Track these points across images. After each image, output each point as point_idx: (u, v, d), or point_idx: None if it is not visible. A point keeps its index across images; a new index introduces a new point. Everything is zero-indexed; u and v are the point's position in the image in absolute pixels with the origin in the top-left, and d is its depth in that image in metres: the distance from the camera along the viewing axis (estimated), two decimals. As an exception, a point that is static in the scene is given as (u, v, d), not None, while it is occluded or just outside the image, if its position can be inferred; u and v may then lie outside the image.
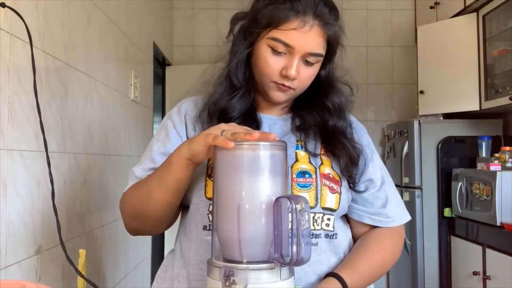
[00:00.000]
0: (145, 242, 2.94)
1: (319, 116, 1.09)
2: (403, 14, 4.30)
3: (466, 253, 3.09)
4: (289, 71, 0.99)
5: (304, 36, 0.98)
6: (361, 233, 1.12)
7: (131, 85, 2.56)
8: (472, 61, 3.30)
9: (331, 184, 1.04)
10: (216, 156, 0.82)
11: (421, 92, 3.60)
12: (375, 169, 1.12)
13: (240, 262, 0.79)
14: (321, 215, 1.03)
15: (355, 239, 1.13)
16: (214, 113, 1.06)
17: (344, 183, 1.07)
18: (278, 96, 1.04)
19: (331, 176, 1.05)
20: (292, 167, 1.03)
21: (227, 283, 0.76)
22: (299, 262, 0.76)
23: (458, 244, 3.21)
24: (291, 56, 0.99)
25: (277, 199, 0.78)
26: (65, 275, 1.58)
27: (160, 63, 3.91)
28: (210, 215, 1.02)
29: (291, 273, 0.80)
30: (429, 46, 3.60)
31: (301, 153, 1.06)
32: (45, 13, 1.51)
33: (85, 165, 1.87)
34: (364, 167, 1.09)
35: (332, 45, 1.05)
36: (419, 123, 3.46)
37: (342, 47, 1.09)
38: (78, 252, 1.23)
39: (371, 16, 4.31)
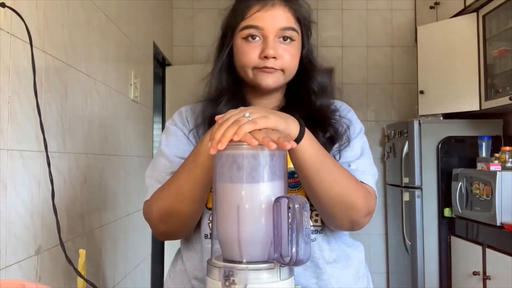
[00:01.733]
0: (145, 242, 2.94)
1: (306, 104, 1.10)
2: (403, 14, 4.30)
3: (466, 253, 3.09)
4: (266, 51, 1.02)
5: (269, 14, 1.02)
6: None
7: (131, 85, 2.56)
8: (472, 61, 3.30)
9: None
10: (216, 156, 0.82)
11: (421, 92, 3.60)
12: (354, 153, 1.09)
13: (240, 262, 0.79)
14: (310, 212, 1.05)
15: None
16: (204, 121, 1.09)
17: None
18: (266, 80, 1.05)
19: None
20: None
21: (227, 283, 0.76)
22: (298, 262, 0.76)
23: (458, 244, 3.21)
24: (265, 38, 1.03)
25: (277, 199, 0.78)
26: (65, 275, 1.58)
27: (160, 63, 3.91)
28: (211, 224, 1.05)
29: (291, 273, 0.80)
30: (429, 46, 3.60)
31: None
32: (45, 13, 1.51)
33: (85, 165, 1.87)
34: (347, 142, 1.09)
35: (303, 23, 1.08)
36: (419, 123, 3.46)
37: (315, 25, 1.13)
38: (78, 252, 1.23)
39: (371, 16, 4.31)
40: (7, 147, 1.27)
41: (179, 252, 1.18)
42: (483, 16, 3.21)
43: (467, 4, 3.26)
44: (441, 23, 3.55)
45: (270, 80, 1.05)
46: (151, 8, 3.24)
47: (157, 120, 3.76)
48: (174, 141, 1.11)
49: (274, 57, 1.02)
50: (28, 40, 1.29)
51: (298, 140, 0.89)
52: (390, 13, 4.31)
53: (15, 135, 1.31)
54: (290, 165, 1.00)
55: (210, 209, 1.05)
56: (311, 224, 1.07)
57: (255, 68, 1.04)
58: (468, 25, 3.33)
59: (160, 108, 3.92)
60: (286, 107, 1.11)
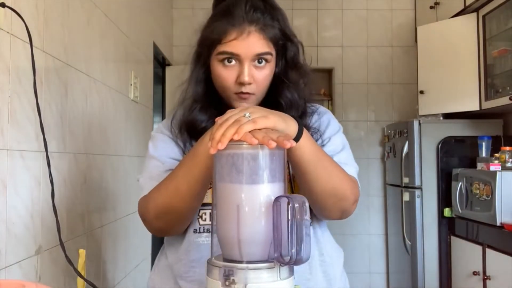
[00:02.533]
0: (145, 242, 2.94)
1: None
2: (403, 14, 4.30)
3: (466, 253, 3.09)
4: (242, 77, 1.05)
5: (245, 43, 1.05)
6: None
7: (131, 85, 2.56)
8: (472, 61, 3.31)
9: None
10: (215, 156, 0.82)
11: (421, 92, 3.60)
12: (334, 147, 1.14)
13: (240, 262, 0.79)
14: None
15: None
16: (181, 127, 1.14)
17: None
18: (241, 105, 1.08)
19: None
20: None
21: (227, 283, 0.76)
22: (299, 261, 0.76)
23: (458, 244, 3.21)
24: (240, 63, 1.06)
25: (277, 198, 0.78)
26: (65, 275, 1.58)
27: (160, 63, 3.91)
28: (200, 220, 1.10)
29: (291, 272, 0.80)
30: (429, 46, 3.60)
31: None
32: (45, 13, 1.51)
33: (85, 165, 1.87)
34: (327, 139, 1.14)
35: (277, 43, 1.10)
36: (419, 123, 3.46)
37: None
38: (78, 252, 1.23)
39: (371, 16, 4.31)
40: (7, 147, 1.28)
41: (163, 248, 1.21)
42: (483, 16, 3.21)
43: (467, 4, 3.26)
44: (441, 23, 3.55)
45: (246, 105, 1.08)
46: (151, 8, 3.24)
47: (157, 120, 3.76)
48: (161, 145, 1.16)
49: (249, 83, 1.06)
50: (28, 40, 1.29)
51: (297, 138, 0.92)
52: (390, 13, 4.31)
53: (15, 135, 1.31)
54: None
55: (201, 204, 1.07)
56: None
57: (234, 93, 1.08)
58: (468, 25, 3.33)
59: (160, 108, 3.92)
60: None
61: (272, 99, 1.13)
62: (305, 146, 0.94)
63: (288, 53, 1.13)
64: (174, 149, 1.14)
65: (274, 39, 1.08)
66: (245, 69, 1.05)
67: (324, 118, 1.18)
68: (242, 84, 1.06)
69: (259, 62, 1.06)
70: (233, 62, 1.06)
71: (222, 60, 1.06)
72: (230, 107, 1.15)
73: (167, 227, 1.06)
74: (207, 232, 1.09)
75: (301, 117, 1.14)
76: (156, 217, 1.04)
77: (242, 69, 1.05)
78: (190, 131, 1.13)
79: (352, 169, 1.13)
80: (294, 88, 1.14)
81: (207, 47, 1.09)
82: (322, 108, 1.22)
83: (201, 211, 1.10)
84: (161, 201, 1.02)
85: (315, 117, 1.17)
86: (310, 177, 0.98)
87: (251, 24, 1.05)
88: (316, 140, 1.11)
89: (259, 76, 1.07)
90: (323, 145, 1.13)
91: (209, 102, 1.13)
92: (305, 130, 0.95)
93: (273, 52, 1.09)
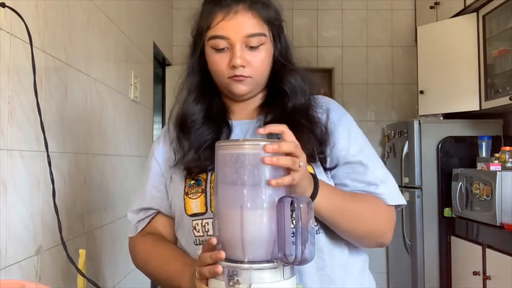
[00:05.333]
0: (145, 242, 2.93)
1: (281, 104, 1.09)
2: (403, 14, 4.30)
3: (466, 253, 3.09)
4: (234, 60, 1.01)
5: (233, 23, 1.01)
6: None
7: (131, 85, 2.56)
8: (472, 61, 3.31)
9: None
10: (217, 156, 0.82)
11: (421, 92, 3.60)
12: (354, 152, 1.10)
13: (242, 262, 0.79)
14: None
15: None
16: (175, 122, 1.12)
17: (319, 174, 1.03)
18: (238, 88, 1.05)
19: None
20: None
21: (231, 283, 0.76)
22: (303, 261, 0.76)
23: (458, 244, 3.21)
24: (231, 47, 1.02)
25: (281, 198, 0.78)
26: (65, 275, 1.58)
27: (160, 63, 3.91)
28: (194, 231, 1.05)
29: (293, 272, 0.80)
30: (429, 46, 3.60)
31: None
32: (45, 13, 1.51)
33: (85, 165, 1.87)
34: (332, 143, 1.06)
35: (272, 23, 1.05)
36: (419, 123, 3.46)
37: (286, 23, 1.10)
38: (78, 252, 1.23)
39: (371, 16, 4.31)
40: (7, 147, 1.27)
41: None
42: (483, 16, 3.21)
43: (467, 4, 3.26)
44: (441, 23, 3.55)
45: (243, 88, 1.05)
46: (151, 8, 3.24)
47: (157, 120, 3.76)
48: (151, 173, 1.17)
49: (242, 66, 1.02)
50: (28, 40, 1.29)
51: (312, 196, 0.91)
52: (390, 13, 4.31)
53: (15, 135, 1.31)
54: None
55: (191, 215, 1.05)
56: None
57: (228, 77, 1.04)
58: (468, 25, 3.33)
59: (160, 108, 3.92)
60: (264, 107, 1.11)
61: (275, 86, 1.09)
62: (322, 203, 0.93)
63: (284, 36, 1.08)
64: (162, 179, 1.15)
65: (267, 19, 1.04)
66: (236, 52, 1.00)
67: (333, 115, 1.10)
68: (234, 67, 1.01)
69: (252, 47, 1.02)
70: (225, 46, 1.02)
71: (214, 46, 1.03)
72: (225, 98, 1.13)
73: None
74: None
75: (307, 108, 1.08)
76: (138, 268, 1.23)
77: (233, 52, 1.01)
78: (181, 125, 1.10)
79: (391, 187, 1.10)
80: (297, 71, 1.09)
81: (199, 36, 1.07)
82: (327, 102, 1.14)
83: (194, 222, 1.05)
84: (142, 269, 1.23)
85: (323, 115, 1.09)
86: (336, 227, 1.01)
87: (238, 3, 1.01)
88: (324, 143, 1.05)
89: (254, 60, 1.02)
90: (334, 146, 1.06)
91: (203, 93, 1.10)
92: (322, 185, 0.93)
93: (267, 33, 1.04)
